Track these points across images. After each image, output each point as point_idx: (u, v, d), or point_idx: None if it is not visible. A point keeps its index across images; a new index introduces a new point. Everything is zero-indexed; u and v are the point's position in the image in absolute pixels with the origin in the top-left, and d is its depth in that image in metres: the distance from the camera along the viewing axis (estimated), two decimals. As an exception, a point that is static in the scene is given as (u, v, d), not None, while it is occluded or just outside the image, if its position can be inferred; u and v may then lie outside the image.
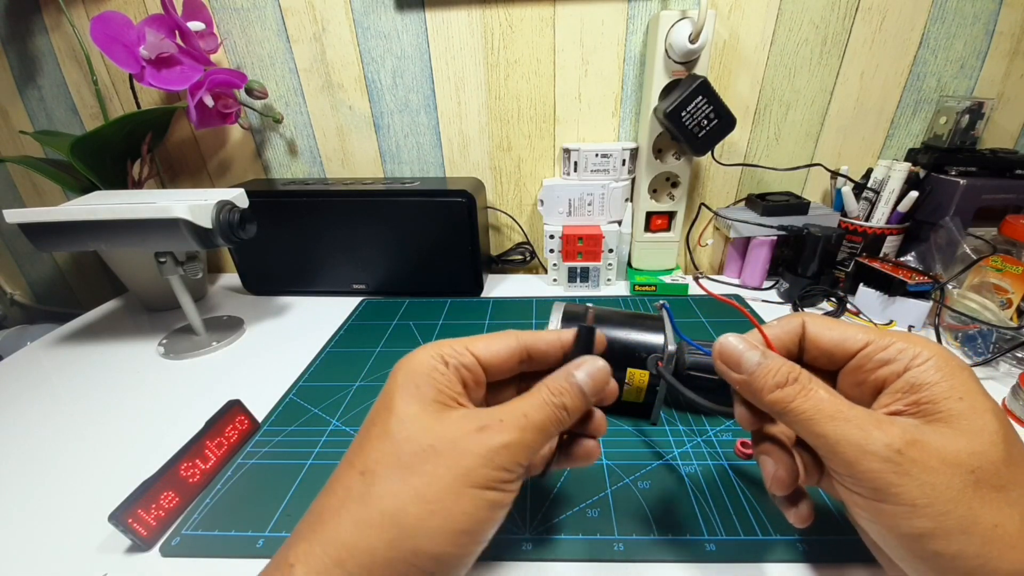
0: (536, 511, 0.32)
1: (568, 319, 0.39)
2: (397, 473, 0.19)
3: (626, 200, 0.63)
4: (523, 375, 0.26)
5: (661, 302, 0.36)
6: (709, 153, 0.56)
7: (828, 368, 0.24)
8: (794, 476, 0.23)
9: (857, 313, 0.55)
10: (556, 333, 0.26)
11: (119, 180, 0.58)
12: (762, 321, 0.25)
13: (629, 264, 0.67)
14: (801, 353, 0.24)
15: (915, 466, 0.18)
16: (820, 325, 0.24)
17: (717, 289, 0.64)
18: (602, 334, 0.26)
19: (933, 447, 0.18)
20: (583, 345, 0.25)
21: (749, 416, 0.24)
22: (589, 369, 0.23)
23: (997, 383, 0.44)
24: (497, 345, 0.24)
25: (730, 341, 0.23)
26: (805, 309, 0.57)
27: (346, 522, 0.19)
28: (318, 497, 0.21)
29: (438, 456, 0.19)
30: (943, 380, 0.20)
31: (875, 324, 0.53)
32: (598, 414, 0.26)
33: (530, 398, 0.22)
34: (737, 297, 0.61)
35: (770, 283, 0.65)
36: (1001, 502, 0.18)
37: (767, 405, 0.22)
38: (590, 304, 0.26)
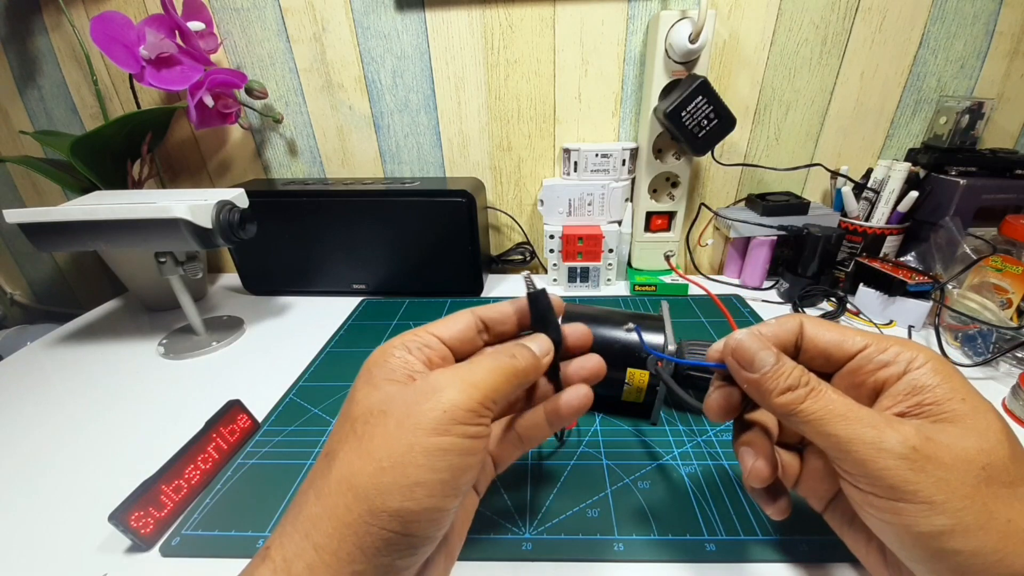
0: (536, 511, 0.32)
1: (568, 320, 0.39)
2: (352, 443, 0.20)
3: (626, 200, 0.63)
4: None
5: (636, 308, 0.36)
6: (709, 153, 0.56)
7: (823, 370, 0.24)
8: (773, 469, 0.24)
9: (857, 313, 0.55)
10: (509, 303, 0.27)
11: (119, 180, 0.58)
12: (754, 319, 0.25)
13: (629, 264, 0.67)
14: (797, 354, 0.24)
15: (930, 462, 0.18)
16: (818, 327, 0.24)
17: (717, 289, 0.64)
18: (561, 303, 0.28)
19: (945, 444, 0.19)
20: (539, 310, 0.26)
21: (722, 409, 0.25)
22: (534, 337, 0.26)
23: (997, 383, 0.44)
24: (455, 322, 0.25)
25: (746, 340, 0.23)
26: (805, 309, 0.57)
27: (310, 498, 0.19)
28: None
29: (387, 417, 0.20)
30: (944, 382, 0.20)
31: (875, 324, 0.53)
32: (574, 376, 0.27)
33: (477, 359, 0.23)
34: (736, 297, 0.61)
35: (770, 283, 0.65)
36: (1011, 498, 0.18)
37: (775, 407, 0.22)
38: (528, 274, 0.28)
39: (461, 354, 0.25)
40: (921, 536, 0.19)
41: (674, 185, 0.63)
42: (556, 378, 0.27)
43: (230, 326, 0.57)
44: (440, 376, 0.21)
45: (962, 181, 0.55)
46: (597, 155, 0.61)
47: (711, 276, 0.68)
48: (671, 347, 0.35)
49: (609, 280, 0.66)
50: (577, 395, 0.26)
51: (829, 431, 0.20)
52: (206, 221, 0.46)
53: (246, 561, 0.29)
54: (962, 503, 0.18)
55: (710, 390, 0.25)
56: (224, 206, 0.47)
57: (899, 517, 0.19)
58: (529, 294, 0.26)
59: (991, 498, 0.18)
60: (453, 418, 0.20)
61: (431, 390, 0.20)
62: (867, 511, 0.20)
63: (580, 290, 0.65)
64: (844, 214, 0.61)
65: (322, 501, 0.19)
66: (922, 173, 0.60)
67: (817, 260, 0.57)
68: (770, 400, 0.22)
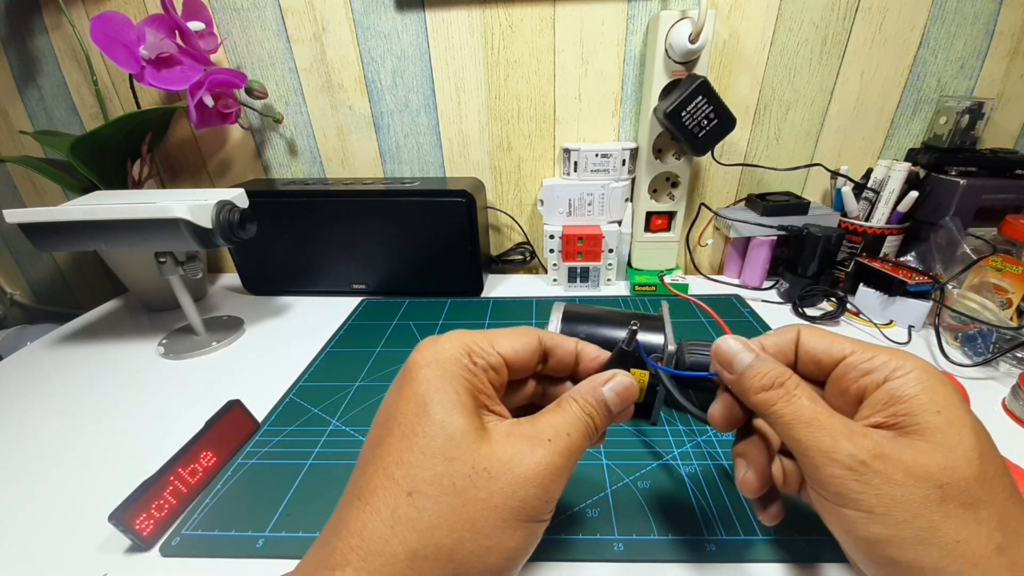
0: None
1: (568, 319, 0.39)
2: (450, 499, 0.18)
3: (626, 200, 0.63)
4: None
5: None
6: (709, 153, 0.56)
7: (819, 378, 0.24)
8: (764, 481, 0.24)
9: (857, 313, 0.55)
10: (574, 342, 0.25)
11: (119, 180, 0.58)
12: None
13: (629, 264, 0.67)
14: (796, 362, 0.25)
15: (876, 477, 0.19)
16: (811, 333, 0.24)
17: (717, 289, 0.64)
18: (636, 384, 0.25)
19: (900, 460, 0.19)
20: (626, 362, 0.25)
21: (724, 419, 0.25)
22: (616, 385, 0.23)
23: (997, 383, 0.44)
24: (521, 344, 0.23)
25: (727, 342, 0.24)
26: (805, 309, 0.57)
27: (399, 552, 0.17)
28: (349, 507, 0.19)
29: (493, 482, 0.18)
30: (922, 393, 0.20)
31: (875, 324, 0.53)
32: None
33: (565, 414, 0.21)
34: (736, 297, 0.61)
35: (770, 283, 0.65)
36: (968, 519, 0.18)
37: (753, 405, 0.22)
38: (635, 323, 0.26)
39: (514, 372, 0.23)
40: (860, 540, 0.19)
41: (674, 185, 0.63)
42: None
43: (230, 326, 0.57)
44: (538, 439, 0.20)
45: (962, 181, 0.55)
46: (597, 155, 0.61)
47: (711, 276, 0.68)
48: (671, 347, 0.35)
49: (609, 280, 0.66)
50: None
51: (793, 435, 0.21)
52: (206, 221, 0.46)
53: (246, 561, 0.29)
54: (903, 516, 0.18)
55: (714, 401, 0.26)
56: (224, 206, 0.47)
57: (842, 522, 0.20)
58: (619, 348, 0.25)
59: (940, 516, 0.18)
60: (549, 509, 0.20)
61: (538, 465, 0.19)
62: (821, 513, 0.21)
63: (580, 290, 0.65)
64: (844, 214, 0.61)
65: (417, 565, 0.17)
66: (922, 173, 0.60)
67: (817, 260, 0.57)
68: (748, 398, 0.22)
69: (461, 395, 0.20)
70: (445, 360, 0.20)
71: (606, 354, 0.26)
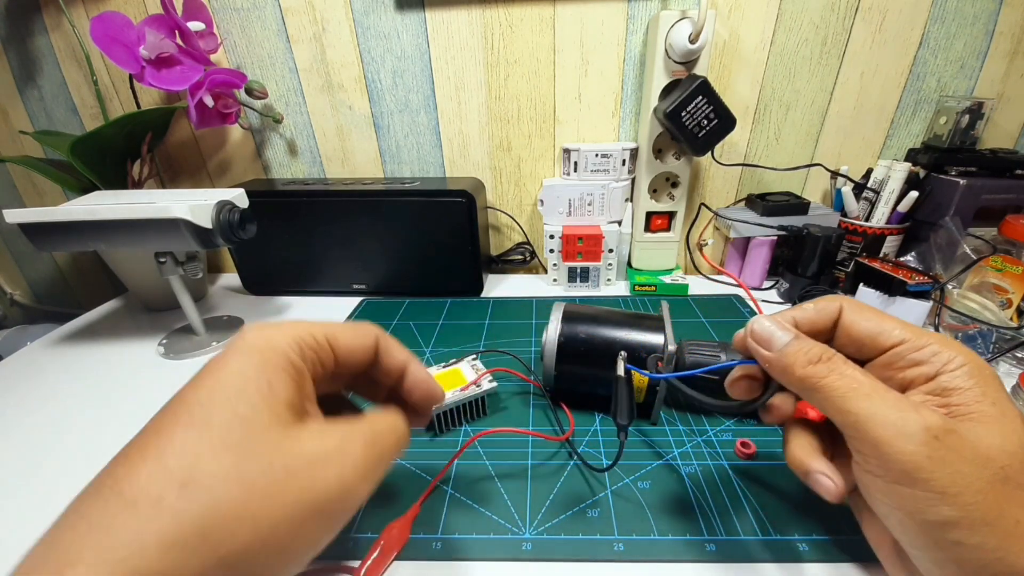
0: (536, 511, 0.32)
1: (568, 319, 0.39)
2: (234, 492, 0.16)
3: (626, 200, 0.64)
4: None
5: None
6: (709, 153, 0.56)
7: (856, 357, 0.23)
8: (848, 482, 0.23)
9: (857, 313, 0.55)
10: (414, 365, 0.24)
11: (119, 180, 0.58)
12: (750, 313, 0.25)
13: (629, 264, 0.67)
14: (831, 339, 0.24)
15: (950, 453, 0.18)
16: (856, 313, 0.23)
17: (717, 290, 0.64)
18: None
19: (968, 439, 0.19)
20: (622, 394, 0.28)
21: (742, 389, 0.25)
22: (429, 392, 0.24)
23: (997, 383, 0.44)
24: (360, 342, 0.22)
25: (763, 322, 0.23)
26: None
27: (150, 543, 0.15)
28: (99, 496, 0.16)
29: (290, 479, 0.17)
30: (976, 386, 0.20)
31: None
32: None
33: (385, 417, 0.22)
34: (736, 297, 0.61)
35: (770, 283, 0.65)
36: None
37: (797, 381, 0.22)
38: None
39: (343, 370, 0.22)
40: (926, 524, 0.19)
41: (674, 185, 0.63)
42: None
43: (230, 326, 0.57)
44: (350, 453, 0.19)
45: (962, 181, 0.55)
46: (597, 155, 0.61)
47: (711, 276, 0.68)
48: (671, 347, 0.35)
49: (609, 280, 0.66)
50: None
51: (850, 407, 0.20)
52: (206, 221, 0.46)
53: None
54: (974, 498, 0.18)
55: (731, 375, 0.25)
56: (224, 206, 0.47)
57: (907, 503, 0.19)
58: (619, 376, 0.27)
59: (1004, 497, 0.18)
60: (349, 507, 0.18)
61: (339, 472, 0.18)
62: (875, 495, 0.20)
63: (580, 290, 0.65)
64: (844, 214, 0.61)
65: (172, 556, 0.15)
66: (922, 173, 0.60)
67: (817, 260, 0.57)
68: (793, 373, 0.22)
69: (276, 388, 0.18)
70: (269, 349, 0.19)
71: (428, 385, 0.25)
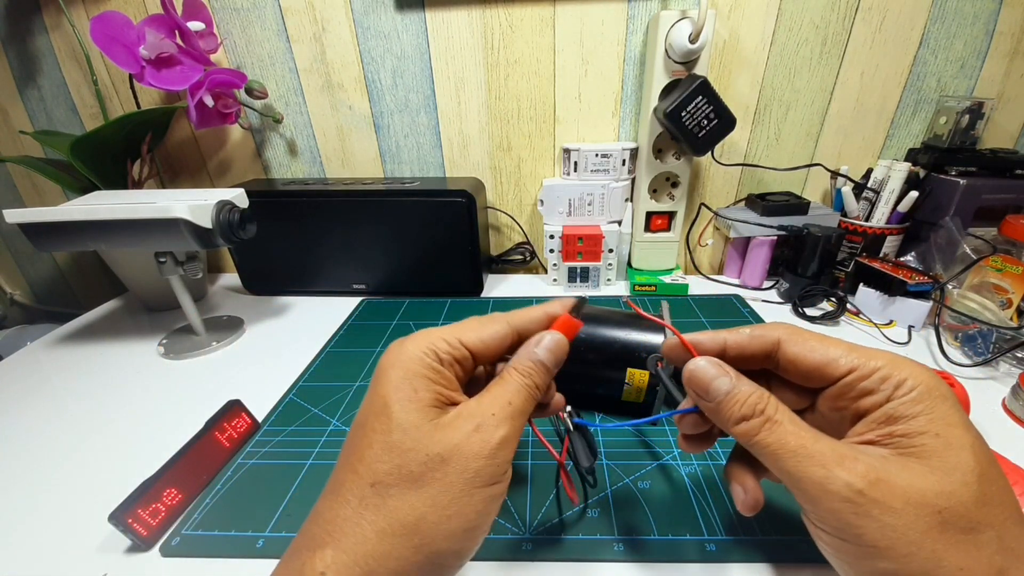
0: (536, 511, 0.32)
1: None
2: (409, 485, 0.20)
3: (626, 200, 0.63)
4: None
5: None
6: (709, 153, 0.56)
7: (806, 386, 0.23)
8: (760, 498, 0.24)
9: (857, 313, 0.55)
10: (542, 308, 0.26)
11: (119, 180, 0.58)
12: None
13: (629, 264, 0.67)
14: (776, 367, 0.24)
15: (876, 507, 0.18)
16: (799, 345, 0.23)
17: (717, 289, 0.64)
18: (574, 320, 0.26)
19: (898, 486, 0.18)
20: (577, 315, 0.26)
21: (691, 444, 0.26)
22: (548, 343, 0.24)
23: (997, 383, 0.44)
24: (488, 333, 0.24)
25: (700, 367, 0.23)
26: (805, 309, 0.57)
27: (368, 532, 0.19)
28: (324, 499, 0.21)
29: (446, 464, 0.20)
30: (922, 414, 0.19)
31: (875, 324, 0.53)
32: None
33: (506, 385, 0.23)
34: (736, 297, 0.61)
35: (770, 283, 0.65)
36: (969, 544, 0.18)
37: (734, 436, 0.22)
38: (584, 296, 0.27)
39: (483, 359, 0.24)
40: (865, 575, 0.19)
41: (674, 185, 0.63)
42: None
43: (230, 326, 0.57)
44: (483, 417, 0.21)
45: (962, 181, 0.55)
46: (597, 155, 0.61)
47: (711, 276, 0.68)
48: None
49: (609, 280, 0.66)
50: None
51: (782, 466, 0.20)
52: (206, 221, 0.46)
53: (246, 561, 0.29)
54: (907, 549, 0.18)
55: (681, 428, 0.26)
56: (224, 206, 0.47)
57: (845, 556, 0.19)
58: (578, 298, 0.27)
59: (943, 544, 0.17)
60: (502, 471, 0.21)
61: (484, 437, 0.21)
62: (820, 544, 0.21)
63: (580, 290, 0.65)
64: (844, 214, 0.61)
65: (386, 541, 0.19)
66: (922, 173, 0.59)
67: (817, 260, 0.57)
68: (728, 429, 0.22)
69: (419, 392, 0.21)
70: (407, 360, 0.22)
71: (557, 310, 0.26)
